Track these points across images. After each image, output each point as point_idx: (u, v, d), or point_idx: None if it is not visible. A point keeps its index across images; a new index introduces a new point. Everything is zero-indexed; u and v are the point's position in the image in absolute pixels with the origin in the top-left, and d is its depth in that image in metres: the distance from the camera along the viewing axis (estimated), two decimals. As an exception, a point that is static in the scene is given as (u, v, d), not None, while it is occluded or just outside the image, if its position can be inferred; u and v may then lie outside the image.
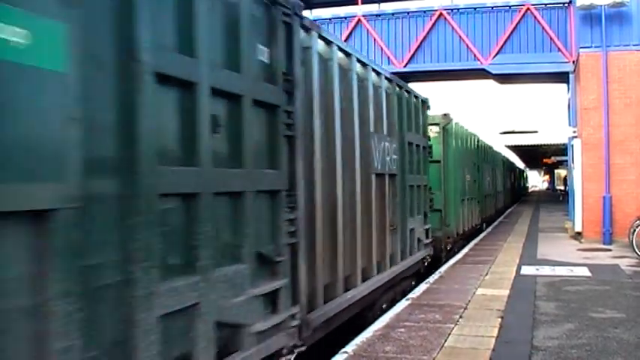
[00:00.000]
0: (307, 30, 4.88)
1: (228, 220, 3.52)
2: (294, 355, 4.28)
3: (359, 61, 6.27)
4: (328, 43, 5.42)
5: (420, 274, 9.15)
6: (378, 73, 7.01)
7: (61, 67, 2.17)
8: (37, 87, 2.09)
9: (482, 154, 18.50)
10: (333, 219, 5.34)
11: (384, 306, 7.09)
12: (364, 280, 6.17)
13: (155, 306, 2.69)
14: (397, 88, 7.89)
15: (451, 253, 12.01)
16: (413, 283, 8.75)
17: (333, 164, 5.37)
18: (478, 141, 17.42)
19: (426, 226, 9.40)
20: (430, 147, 10.06)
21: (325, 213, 5.10)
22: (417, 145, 8.88)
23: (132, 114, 2.61)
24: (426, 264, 9.43)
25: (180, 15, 3.07)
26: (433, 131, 11.29)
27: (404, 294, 7.90)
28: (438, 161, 11.45)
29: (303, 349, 4.40)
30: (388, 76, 7.48)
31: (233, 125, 3.57)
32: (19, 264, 2.06)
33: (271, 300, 3.99)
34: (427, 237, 9.41)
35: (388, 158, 7.17)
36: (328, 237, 5.21)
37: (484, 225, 17.99)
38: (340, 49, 5.74)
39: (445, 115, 11.96)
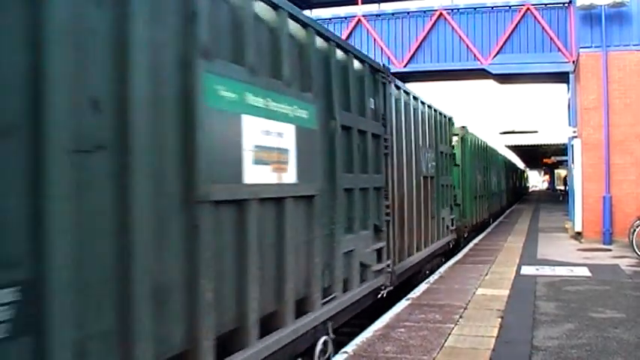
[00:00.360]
0: (397, 87, 8.04)
1: (362, 204, 6.01)
2: (385, 291, 6.84)
3: (415, 98, 9.11)
4: (407, 93, 8.63)
5: (446, 254, 11.47)
6: (423, 103, 9.66)
7: (316, 127, 4.83)
8: (311, 138, 4.76)
9: (489, 157, 20.92)
10: (402, 206, 7.94)
11: (427, 272, 9.71)
12: (418, 250, 8.91)
13: (341, 247, 5.34)
14: (434, 111, 10.49)
15: (468, 239, 14.29)
16: (443, 260, 11.06)
17: (402, 170, 8.00)
18: (486, 146, 19.98)
19: (452, 216, 11.94)
20: (453, 154, 12.67)
21: (400, 203, 7.78)
22: (446, 154, 11.53)
23: (334, 147, 5.28)
24: (450, 246, 11.80)
25: (344, 87, 5.69)
26: (454, 140, 13.33)
27: (437, 268, 10.21)
28: (458, 165, 13.59)
29: (391, 288, 7.01)
30: (429, 103, 10.09)
31: (363, 149, 6.10)
32: (305, 219, 4.67)
33: (378, 254, 6.59)
34: (452, 225, 11.99)
35: (429, 164, 9.83)
36: (403, 218, 7.95)
37: (491, 219, 20.27)
38: (414, 98, 9.02)
39: (463, 127, 14.77)
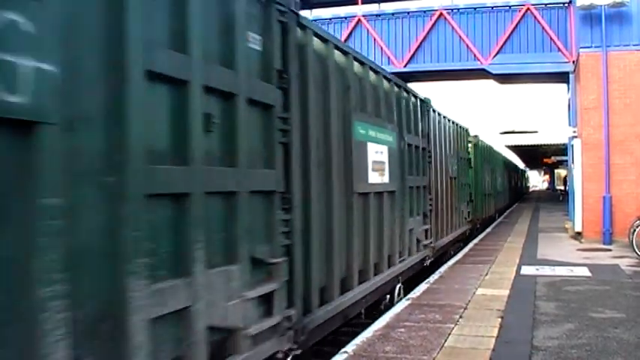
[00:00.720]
0: (434, 111, 10.46)
1: (416, 197, 8.67)
2: (429, 261, 9.45)
3: (445, 117, 11.61)
4: (439, 114, 11.08)
5: (463, 240, 14.03)
6: (449, 120, 12.28)
7: (395, 146, 7.47)
8: (394, 153, 7.35)
9: (495, 160, 24.12)
10: (437, 201, 10.41)
11: (451, 252, 12.10)
12: (447, 234, 11.52)
13: (407, 226, 8.03)
14: (456, 125, 13.12)
15: (479, 230, 16.66)
16: (461, 244, 13.48)
17: (437, 173, 10.54)
18: (492, 149, 22.99)
19: (469, 209, 14.90)
20: (469, 158, 15.43)
21: (436, 198, 10.28)
22: (463, 158, 14.23)
23: (403, 158, 7.92)
24: (467, 234, 14.46)
25: (406, 116, 8.33)
26: (469, 147, 15.82)
27: (457, 251, 12.41)
28: (472, 167, 15.98)
29: (432, 259, 9.70)
30: (453, 119, 12.77)
31: (416, 158, 8.67)
32: (391, 205, 7.22)
33: (425, 233, 9.20)
34: (469, 217, 14.72)
35: (453, 167, 12.40)
36: (437, 209, 10.40)
37: (497, 215, 23.06)
38: (444, 117, 11.59)
39: (475, 136, 17.16)
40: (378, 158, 6.59)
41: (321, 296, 5.07)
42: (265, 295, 3.90)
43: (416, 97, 8.98)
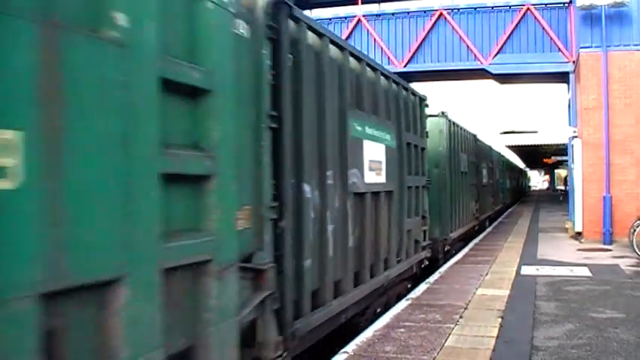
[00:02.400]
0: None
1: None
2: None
3: (465, 130, 14.46)
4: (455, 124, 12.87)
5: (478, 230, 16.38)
6: (467, 131, 14.74)
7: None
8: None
9: (501, 162, 27.11)
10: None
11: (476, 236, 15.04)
12: (466, 224, 13.96)
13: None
14: (470, 133, 15.41)
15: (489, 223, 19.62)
16: (476, 228, 15.83)
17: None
18: (500, 154, 26.60)
19: (477, 207, 16.37)
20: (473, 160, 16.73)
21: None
22: (473, 162, 15.99)
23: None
24: (478, 225, 16.59)
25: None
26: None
27: (472, 237, 14.65)
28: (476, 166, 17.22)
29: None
30: (469, 129, 15.10)
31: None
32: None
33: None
34: (477, 211, 16.40)
35: (465, 164, 14.19)
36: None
37: (507, 207, 27.82)
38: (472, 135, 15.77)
39: (475, 135, 17.67)
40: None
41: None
42: (424, 230, 8.36)
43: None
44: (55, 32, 1.87)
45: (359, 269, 5.95)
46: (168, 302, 2.47)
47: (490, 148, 22.06)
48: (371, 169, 6.17)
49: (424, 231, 8.97)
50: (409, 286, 8.42)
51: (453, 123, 12.40)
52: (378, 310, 6.87)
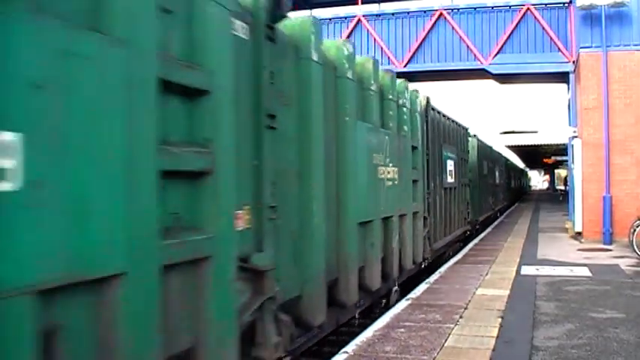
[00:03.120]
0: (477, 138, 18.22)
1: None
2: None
3: (485, 143, 20.85)
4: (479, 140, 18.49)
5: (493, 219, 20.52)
6: (486, 144, 20.12)
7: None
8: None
9: (505, 164, 30.57)
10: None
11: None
12: (486, 212, 18.91)
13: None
14: (488, 145, 19.51)
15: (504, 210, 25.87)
16: (492, 216, 20.19)
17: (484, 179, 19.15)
18: (506, 158, 31.06)
19: (492, 200, 20.40)
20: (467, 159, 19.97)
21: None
22: (490, 167, 20.57)
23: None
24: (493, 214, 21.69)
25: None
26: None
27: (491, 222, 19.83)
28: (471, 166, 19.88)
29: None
30: (487, 142, 20.32)
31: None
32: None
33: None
34: (492, 204, 21.21)
35: (486, 169, 18.22)
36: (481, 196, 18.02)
37: (511, 204, 32.16)
38: (489, 147, 22.77)
39: (475, 135, 19.28)
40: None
41: None
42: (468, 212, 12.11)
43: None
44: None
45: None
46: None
47: (499, 154, 28.24)
48: (450, 174, 10.70)
49: (468, 212, 13.93)
50: (461, 245, 13.34)
51: (480, 140, 18.62)
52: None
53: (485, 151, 19.60)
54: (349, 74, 5.54)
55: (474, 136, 17.01)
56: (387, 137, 6.93)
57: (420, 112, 9.07)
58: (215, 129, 2.89)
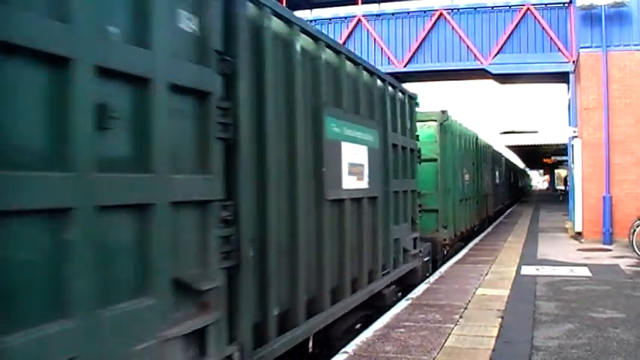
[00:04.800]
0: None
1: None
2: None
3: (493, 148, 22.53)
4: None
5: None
6: (494, 149, 21.95)
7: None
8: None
9: (508, 165, 32.22)
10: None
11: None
12: (497, 207, 22.56)
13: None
14: (497, 152, 23.13)
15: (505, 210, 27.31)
16: (500, 210, 22.69)
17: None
18: (508, 159, 32.34)
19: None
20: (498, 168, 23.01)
21: None
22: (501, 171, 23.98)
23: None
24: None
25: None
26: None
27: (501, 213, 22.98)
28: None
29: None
30: (494, 146, 22.79)
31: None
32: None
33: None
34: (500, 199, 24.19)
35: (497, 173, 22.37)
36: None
37: (514, 202, 34.40)
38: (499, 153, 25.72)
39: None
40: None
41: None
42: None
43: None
44: None
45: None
46: None
47: (501, 155, 28.49)
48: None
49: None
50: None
51: (496, 149, 22.90)
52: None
53: (492, 155, 22.24)
54: None
55: (490, 146, 21.55)
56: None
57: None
58: None
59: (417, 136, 8.72)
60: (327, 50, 5.09)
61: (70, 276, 2.18)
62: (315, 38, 4.87)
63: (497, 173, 23.57)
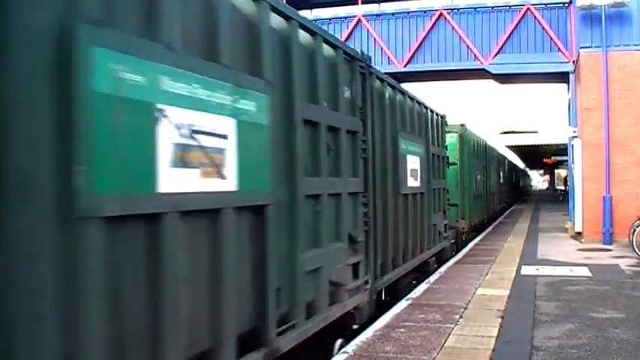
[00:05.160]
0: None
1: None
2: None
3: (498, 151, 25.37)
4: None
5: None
6: (495, 149, 23.72)
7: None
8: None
9: (509, 166, 33.07)
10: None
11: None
12: (502, 203, 25.83)
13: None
14: (502, 155, 26.47)
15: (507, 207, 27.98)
16: (505, 207, 26.00)
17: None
18: (510, 161, 34.24)
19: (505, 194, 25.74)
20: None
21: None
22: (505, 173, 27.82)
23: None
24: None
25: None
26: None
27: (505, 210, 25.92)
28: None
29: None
30: (498, 150, 25.36)
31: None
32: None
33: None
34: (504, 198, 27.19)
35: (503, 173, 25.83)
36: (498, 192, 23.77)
37: (514, 201, 35.96)
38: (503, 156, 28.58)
39: (504, 156, 25.82)
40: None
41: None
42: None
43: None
44: None
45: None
46: None
47: (505, 157, 30.52)
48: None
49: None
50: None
51: (500, 152, 24.97)
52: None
53: (497, 158, 24.32)
54: None
55: (500, 154, 24.61)
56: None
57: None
58: None
59: (446, 146, 11.06)
60: (399, 94, 7.78)
61: (320, 226, 4.71)
62: (397, 90, 7.72)
63: (501, 174, 25.56)
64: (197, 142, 3.06)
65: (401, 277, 7.67)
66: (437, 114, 10.13)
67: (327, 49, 5.06)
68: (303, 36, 4.57)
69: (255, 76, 3.70)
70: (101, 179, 2.39)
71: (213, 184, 3.21)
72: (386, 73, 7.90)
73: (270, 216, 3.77)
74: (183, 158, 2.93)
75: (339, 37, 16.51)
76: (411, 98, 8.40)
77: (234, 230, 3.38)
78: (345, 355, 4.97)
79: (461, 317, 6.26)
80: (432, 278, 8.85)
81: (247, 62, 3.68)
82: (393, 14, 17.20)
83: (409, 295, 7.57)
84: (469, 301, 7.06)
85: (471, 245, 13.36)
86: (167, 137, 2.80)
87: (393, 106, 7.36)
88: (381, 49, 16.93)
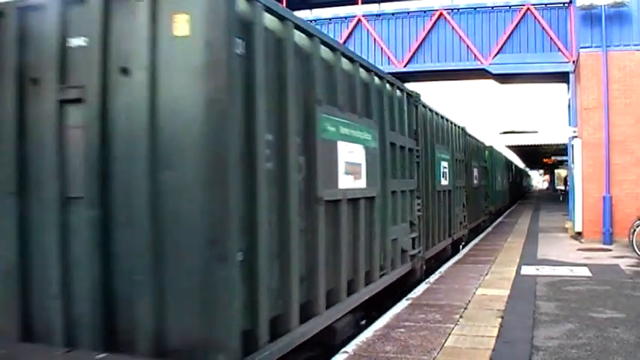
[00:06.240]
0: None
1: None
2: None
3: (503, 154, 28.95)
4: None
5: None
6: (504, 155, 29.56)
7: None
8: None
9: (509, 166, 34.39)
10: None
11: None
12: (505, 202, 28.52)
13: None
14: (507, 158, 30.84)
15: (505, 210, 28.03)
16: (508, 204, 29.64)
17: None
18: (512, 162, 36.67)
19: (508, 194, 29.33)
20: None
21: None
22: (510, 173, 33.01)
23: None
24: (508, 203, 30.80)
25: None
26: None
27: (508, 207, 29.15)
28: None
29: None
30: (504, 153, 29.41)
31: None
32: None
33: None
34: (508, 197, 30.51)
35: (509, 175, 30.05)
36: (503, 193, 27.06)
37: (516, 199, 38.94)
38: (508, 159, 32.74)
39: (508, 159, 28.55)
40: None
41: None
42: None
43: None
44: None
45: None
46: None
47: (511, 162, 34.34)
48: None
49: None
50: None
51: (508, 157, 26.02)
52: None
53: (507, 162, 28.98)
54: None
55: (413, 97, 24.68)
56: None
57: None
58: None
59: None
60: (435, 115, 10.20)
61: (397, 211, 7.26)
62: (434, 112, 10.03)
63: (509, 175, 32.06)
64: (351, 160, 5.52)
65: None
66: (458, 126, 12.70)
67: (398, 93, 7.68)
68: (387, 86, 7.13)
69: (369, 118, 6.18)
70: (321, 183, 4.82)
71: (357, 184, 5.69)
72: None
73: (377, 202, 6.31)
74: (347, 169, 5.40)
75: (339, 38, 16.55)
76: (442, 117, 10.78)
77: (364, 210, 5.90)
78: (345, 355, 4.97)
79: (461, 317, 6.26)
80: (432, 278, 8.85)
81: (364, 109, 6.08)
82: (393, 14, 17.19)
83: (409, 295, 7.57)
84: (469, 301, 7.06)
85: (471, 245, 13.36)
86: (342, 158, 5.27)
87: (431, 125, 9.76)
88: (381, 49, 16.92)
